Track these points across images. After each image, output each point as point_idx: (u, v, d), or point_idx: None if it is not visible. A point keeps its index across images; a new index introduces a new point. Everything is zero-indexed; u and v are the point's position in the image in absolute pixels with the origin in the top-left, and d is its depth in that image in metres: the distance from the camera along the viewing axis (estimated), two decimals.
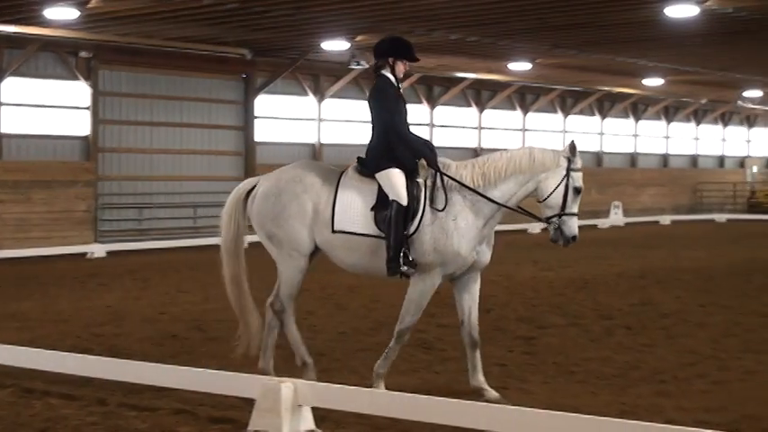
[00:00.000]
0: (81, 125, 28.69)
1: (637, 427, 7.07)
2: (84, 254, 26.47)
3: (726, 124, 55.98)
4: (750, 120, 58.01)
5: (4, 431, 8.56)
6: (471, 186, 9.62)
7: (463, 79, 38.25)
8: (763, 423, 8.61)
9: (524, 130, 43.76)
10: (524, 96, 43.43)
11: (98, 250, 26.76)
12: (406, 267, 9.51)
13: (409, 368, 11.14)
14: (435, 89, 38.96)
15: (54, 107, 28.18)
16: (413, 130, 10.03)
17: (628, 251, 27.16)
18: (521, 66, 34.34)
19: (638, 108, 49.24)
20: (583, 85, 42.17)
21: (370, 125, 10.08)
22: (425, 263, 9.53)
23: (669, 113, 51.51)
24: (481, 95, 41.38)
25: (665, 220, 44.65)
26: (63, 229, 27.80)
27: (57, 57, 28.08)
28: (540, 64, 34.18)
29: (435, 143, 10.37)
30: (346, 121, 36.18)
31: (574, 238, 9.70)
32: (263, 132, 33.39)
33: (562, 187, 9.60)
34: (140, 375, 9.56)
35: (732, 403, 9.35)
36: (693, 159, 54.00)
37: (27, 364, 10.27)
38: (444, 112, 39.79)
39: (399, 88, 10.08)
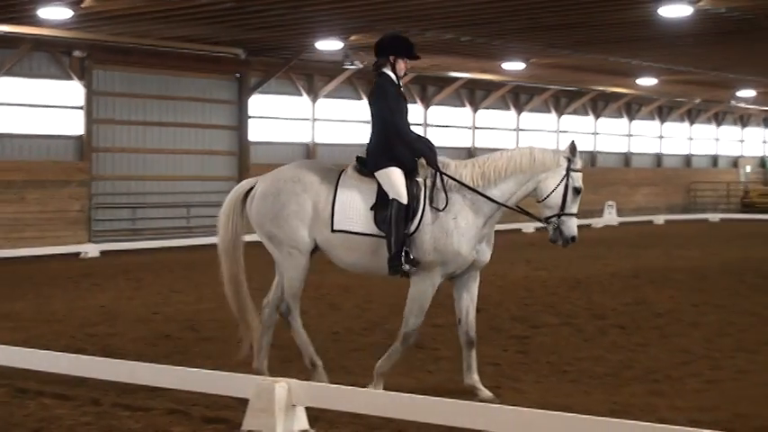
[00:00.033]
0: (75, 125, 28.66)
1: (630, 426, 7.08)
2: (77, 254, 26.45)
3: (719, 124, 56.06)
4: (743, 119, 58.09)
5: None
6: (471, 186, 9.62)
7: (457, 79, 38.26)
8: (756, 422, 8.62)
9: (518, 129, 43.79)
10: (518, 96, 43.45)
11: (92, 250, 26.73)
12: (407, 266, 9.50)
13: (402, 368, 11.13)
14: (429, 89, 38.96)
15: (48, 107, 28.14)
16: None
17: (621, 251, 27.19)
18: (514, 65, 34.34)
19: (632, 108, 49.30)
20: (576, 84, 42.19)
21: (371, 123, 10.04)
22: (426, 262, 9.52)
23: (663, 113, 51.57)
24: (475, 95, 41.40)
25: (659, 219, 44.68)
26: (57, 228, 27.77)
27: (50, 56, 28.05)
28: (533, 64, 34.20)
29: None
30: (340, 121, 36.20)
31: (573, 238, 9.71)
32: (256, 132, 33.37)
33: (562, 187, 9.61)
34: (134, 375, 9.56)
35: (725, 402, 9.37)
36: (687, 159, 54.06)
37: (21, 364, 10.27)
38: (438, 112, 39.79)
39: (400, 86, 10.04)
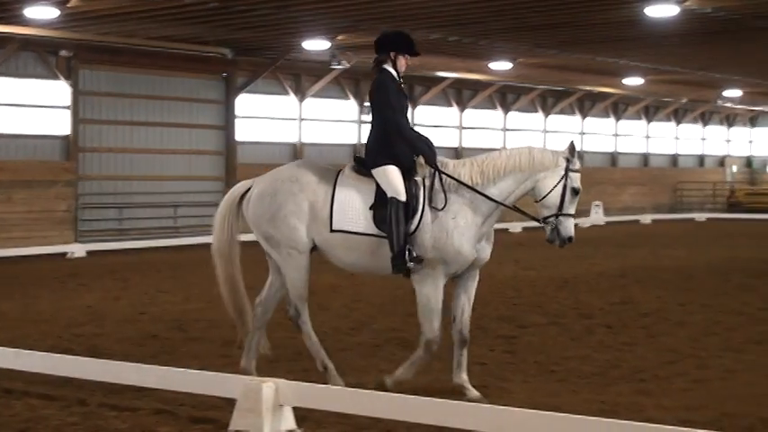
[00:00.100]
0: (61, 125, 28.59)
1: (617, 425, 7.08)
2: (64, 254, 26.38)
3: (706, 124, 56.20)
4: (730, 119, 58.25)
5: None
6: (470, 184, 9.61)
7: (444, 79, 38.27)
8: (743, 421, 8.64)
9: (505, 129, 43.83)
10: (505, 96, 43.49)
11: (78, 250, 26.67)
12: (412, 263, 9.47)
13: (389, 367, 11.11)
14: (416, 89, 38.94)
15: (34, 107, 28.07)
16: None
17: (608, 250, 27.23)
18: (501, 65, 34.38)
19: (619, 107, 49.38)
20: (563, 84, 42.25)
21: (370, 120, 10.00)
22: (428, 263, 9.49)
23: (649, 113, 51.68)
24: (462, 95, 41.43)
25: (646, 219, 44.76)
26: (43, 228, 27.69)
27: (37, 56, 27.97)
28: (520, 63, 34.24)
29: None
30: (327, 121, 36.19)
31: (570, 238, 9.72)
32: (243, 132, 33.34)
33: (560, 187, 9.62)
34: (121, 375, 9.53)
35: (712, 401, 9.38)
36: (673, 159, 54.18)
37: (6, 365, 10.22)
38: (425, 112, 39.80)
39: (401, 83, 10.00)
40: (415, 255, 9.45)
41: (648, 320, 14.62)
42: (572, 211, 9.70)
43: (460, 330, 9.79)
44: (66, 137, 28.64)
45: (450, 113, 41.14)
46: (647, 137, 52.11)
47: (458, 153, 39.41)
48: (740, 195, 53.94)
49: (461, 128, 41.62)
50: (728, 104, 52.05)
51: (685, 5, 22.83)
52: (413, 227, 9.50)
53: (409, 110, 10.22)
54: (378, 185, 9.65)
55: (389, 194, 9.51)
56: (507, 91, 43.02)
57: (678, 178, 53.47)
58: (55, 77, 28.35)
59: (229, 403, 8.45)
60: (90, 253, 26.71)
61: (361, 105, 36.93)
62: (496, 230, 10.09)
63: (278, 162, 32.51)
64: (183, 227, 30.84)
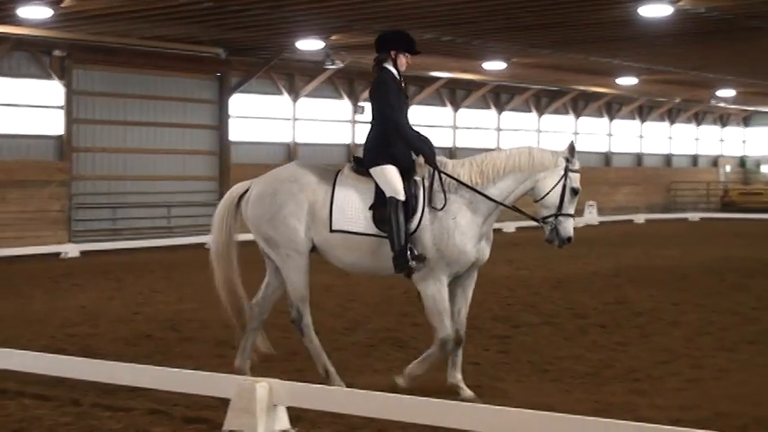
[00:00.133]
0: (55, 125, 28.55)
1: (611, 425, 7.08)
2: (57, 254, 26.36)
3: (699, 123, 56.27)
4: (723, 119, 58.32)
5: None
6: (469, 184, 9.59)
7: (438, 79, 38.28)
8: (737, 420, 8.64)
9: (499, 129, 43.85)
10: (499, 96, 43.51)
11: (72, 250, 26.64)
12: (414, 262, 9.45)
13: (383, 367, 11.15)
14: (410, 88, 38.54)
15: (28, 106, 28.03)
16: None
17: (602, 250, 27.24)
18: (495, 65, 34.39)
19: (612, 107, 49.43)
20: (557, 84, 42.28)
21: (370, 119, 9.97)
22: (429, 264, 9.47)
23: (643, 113, 51.73)
24: (456, 95, 41.44)
25: (640, 218, 44.81)
26: (37, 228, 27.65)
27: (30, 56, 27.93)
28: (514, 63, 34.24)
29: None
30: (321, 121, 36.18)
31: (569, 239, 9.72)
32: (237, 132, 33.31)
33: (559, 187, 9.61)
34: (114, 375, 9.52)
35: (706, 401, 9.39)
36: (667, 158, 54.24)
37: (0, 365, 10.21)
38: (419, 112, 39.73)
39: (402, 82, 9.98)
40: (417, 254, 9.44)
41: (642, 320, 14.64)
42: (571, 212, 9.70)
43: (456, 330, 9.79)
44: (60, 137, 28.60)
45: (443, 113, 41.14)
46: (641, 137, 52.18)
47: (452, 153, 39.40)
48: (733, 195, 54.02)
49: (455, 128, 41.63)
50: (722, 104, 52.10)
51: (679, 5, 22.85)
52: (413, 226, 9.48)
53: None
54: (377, 185, 9.63)
55: (388, 194, 9.49)
56: (501, 91, 43.04)
57: (672, 178, 53.54)
58: (48, 77, 28.32)
59: (223, 403, 8.45)
60: (84, 253, 26.69)
61: (355, 105, 36.92)
62: None
63: (271, 162, 32.70)
64: (176, 227, 30.82)
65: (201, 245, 28.60)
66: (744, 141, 60.52)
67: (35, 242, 27.06)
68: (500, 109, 43.75)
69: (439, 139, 40.23)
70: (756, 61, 34.22)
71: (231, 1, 22.43)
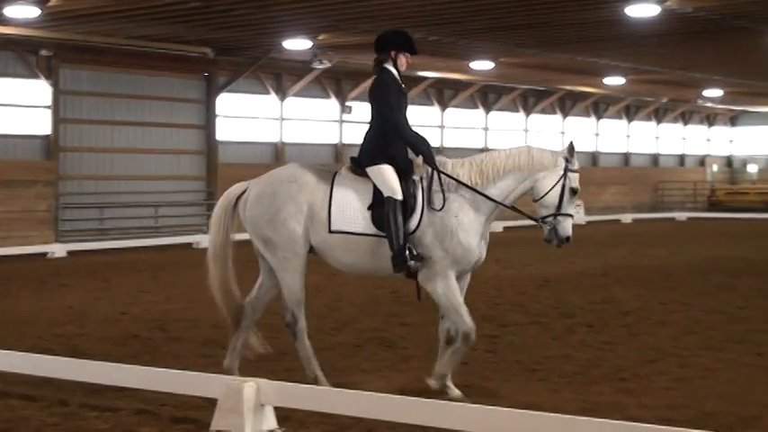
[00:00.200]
0: (42, 124, 28.49)
1: (598, 424, 7.08)
2: (44, 254, 26.30)
3: (686, 123, 56.39)
4: (710, 119, 58.46)
5: None
6: (469, 184, 9.59)
7: (425, 78, 38.28)
8: (723, 419, 8.66)
9: (486, 129, 43.88)
10: (486, 95, 43.55)
11: (59, 250, 26.59)
12: (413, 262, 9.43)
13: (372, 367, 11.15)
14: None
15: (14, 106, 27.97)
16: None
17: (589, 249, 27.26)
18: (482, 65, 34.41)
19: (600, 107, 49.50)
20: (544, 84, 42.33)
21: (369, 118, 9.95)
22: (436, 263, 9.46)
23: (630, 112, 51.82)
24: (443, 94, 41.45)
25: (627, 218, 44.90)
26: (23, 228, 27.59)
27: (17, 55, 27.87)
28: (501, 63, 34.27)
29: None
30: (309, 120, 36.16)
31: (568, 238, 9.73)
32: (224, 131, 33.28)
33: (559, 187, 9.62)
34: (101, 375, 9.49)
35: (693, 400, 9.41)
36: (654, 158, 54.34)
37: None
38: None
39: (402, 82, 9.96)
40: (416, 253, 9.43)
41: (629, 319, 14.66)
42: (570, 212, 9.71)
43: (448, 329, 9.80)
44: (47, 136, 28.54)
45: (431, 113, 41.14)
46: (628, 136, 52.27)
47: (439, 152, 39.25)
48: (720, 195, 54.19)
49: (443, 127, 41.64)
50: (709, 104, 52.23)
51: (665, 5, 22.90)
52: (412, 226, 9.48)
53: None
54: (375, 185, 9.61)
55: (386, 194, 9.47)
56: (488, 90, 43.08)
57: (659, 178, 53.64)
58: (35, 77, 28.25)
59: (211, 403, 8.43)
60: (71, 253, 26.63)
61: (342, 105, 36.91)
62: None
63: (259, 162, 32.74)
64: (164, 227, 30.77)
65: (189, 245, 28.65)
66: (731, 141, 60.66)
67: (22, 242, 27.01)
68: (487, 108, 43.78)
69: (426, 138, 40.18)
70: (743, 61, 34.32)
71: (218, 0, 22.41)
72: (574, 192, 9.67)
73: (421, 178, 9.67)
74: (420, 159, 9.71)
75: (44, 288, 19.17)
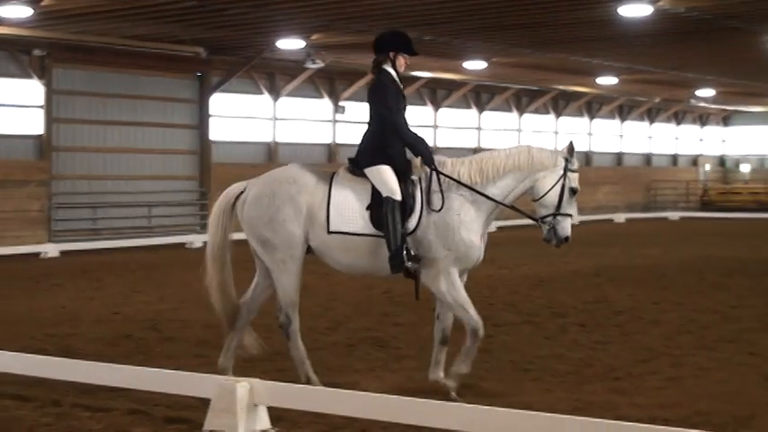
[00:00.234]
0: (35, 124, 28.44)
1: (590, 423, 7.09)
2: (37, 254, 26.25)
3: (679, 123, 56.45)
4: (703, 118, 58.52)
5: None
6: (469, 184, 9.59)
7: (418, 78, 38.25)
8: (716, 419, 8.67)
9: (479, 128, 43.89)
10: (479, 95, 43.55)
11: (52, 250, 26.54)
12: (410, 263, 9.44)
13: (365, 367, 11.15)
14: None
15: (7, 106, 27.90)
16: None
17: (582, 249, 27.24)
18: (476, 65, 34.41)
19: (593, 107, 49.53)
20: (537, 83, 42.34)
21: (368, 119, 9.95)
22: (439, 262, 9.47)
23: (623, 112, 51.86)
24: (436, 94, 41.45)
25: (620, 218, 44.94)
26: (16, 228, 27.54)
27: (10, 55, 27.81)
28: (494, 63, 34.27)
29: None
30: (302, 120, 36.13)
31: (567, 238, 9.74)
32: (218, 131, 33.23)
33: (558, 187, 9.64)
34: (94, 375, 9.48)
35: (685, 399, 9.42)
36: (647, 158, 54.38)
37: None
38: None
39: (400, 83, 9.97)
40: (413, 254, 9.43)
41: (622, 319, 14.68)
42: (570, 211, 9.72)
43: (443, 329, 9.82)
44: (40, 136, 28.49)
45: (424, 112, 41.12)
46: (621, 136, 52.31)
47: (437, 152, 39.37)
48: (713, 194, 54.29)
49: (436, 127, 41.64)
50: (701, 104, 52.29)
51: (658, 5, 22.91)
52: (411, 226, 9.48)
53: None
54: (373, 185, 9.61)
55: (384, 194, 9.47)
56: (482, 90, 43.07)
57: (652, 177, 53.69)
58: (28, 76, 28.20)
59: (204, 403, 8.43)
60: (63, 253, 26.59)
61: (335, 105, 36.90)
62: None
63: (252, 161, 32.72)
64: (157, 226, 30.73)
65: (182, 245, 28.63)
66: (723, 141, 60.73)
67: (14, 242, 26.96)
68: (481, 108, 43.79)
69: (425, 139, 40.19)
70: (735, 61, 34.36)
71: (212, 0, 22.39)
72: (573, 192, 9.68)
73: (420, 179, 9.67)
74: (419, 160, 9.70)
75: (37, 288, 19.14)
